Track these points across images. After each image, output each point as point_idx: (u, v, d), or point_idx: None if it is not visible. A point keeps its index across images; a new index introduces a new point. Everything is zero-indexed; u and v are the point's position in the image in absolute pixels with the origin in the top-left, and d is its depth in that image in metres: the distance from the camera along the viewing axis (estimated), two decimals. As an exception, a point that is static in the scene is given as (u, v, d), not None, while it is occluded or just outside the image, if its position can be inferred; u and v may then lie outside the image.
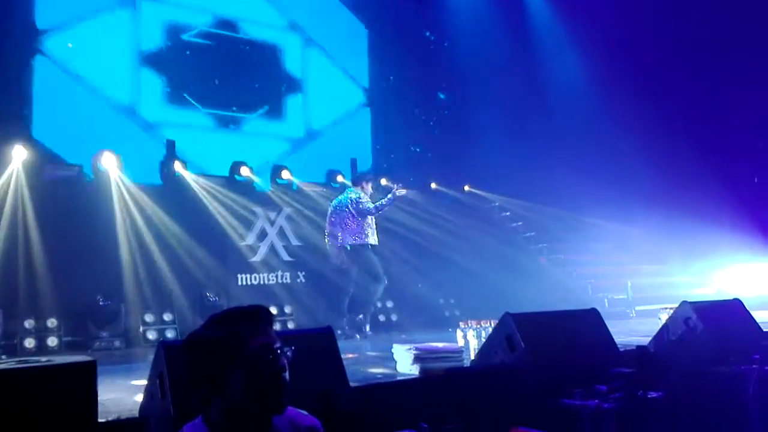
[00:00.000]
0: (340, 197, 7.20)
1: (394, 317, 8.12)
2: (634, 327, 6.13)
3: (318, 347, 2.84)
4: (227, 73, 9.69)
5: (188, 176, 7.75)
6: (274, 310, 7.18)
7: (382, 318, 7.98)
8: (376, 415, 2.85)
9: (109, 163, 7.13)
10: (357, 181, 7.28)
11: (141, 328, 6.67)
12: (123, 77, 8.88)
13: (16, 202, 6.43)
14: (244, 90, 9.83)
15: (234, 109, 9.75)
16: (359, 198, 6.92)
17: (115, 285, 6.64)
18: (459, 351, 3.72)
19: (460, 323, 4.35)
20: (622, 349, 3.85)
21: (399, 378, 3.48)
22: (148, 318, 6.75)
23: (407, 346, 3.61)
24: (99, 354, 5.89)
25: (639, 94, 10.06)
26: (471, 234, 9.07)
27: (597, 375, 3.30)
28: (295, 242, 8.13)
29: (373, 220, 7.06)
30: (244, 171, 8.17)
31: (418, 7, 11.55)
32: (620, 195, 9.67)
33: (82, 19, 8.54)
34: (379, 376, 3.65)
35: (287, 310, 7.68)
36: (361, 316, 6.96)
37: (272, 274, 7.85)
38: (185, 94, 9.30)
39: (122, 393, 3.38)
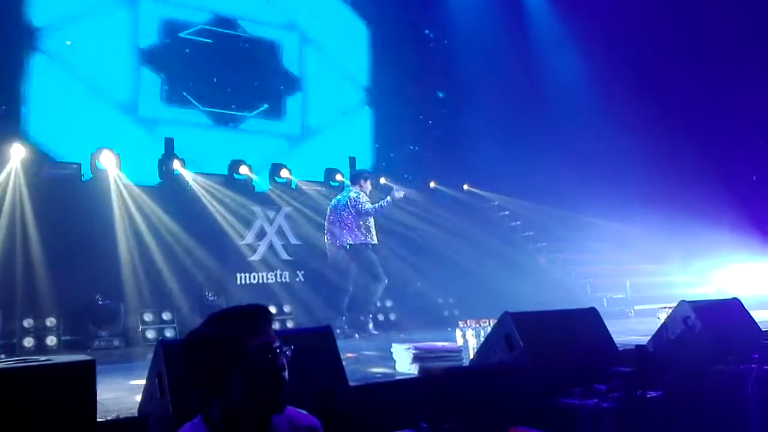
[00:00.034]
0: (339, 196, 7.20)
1: (392, 316, 8.12)
2: (632, 326, 6.14)
3: (317, 346, 2.83)
4: (226, 72, 9.69)
5: (187, 175, 7.74)
6: (273, 309, 7.17)
7: (381, 317, 7.97)
8: (375, 415, 2.85)
9: (107, 161, 7.12)
10: (355, 179, 7.27)
11: (140, 328, 6.67)
12: (122, 75, 8.88)
13: (15, 201, 6.41)
14: (243, 88, 9.83)
15: (233, 107, 9.75)
16: (358, 197, 6.92)
17: (114, 284, 6.63)
18: (458, 350, 3.72)
19: (459, 322, 4.35)
20: (621, 349, 3.85)
21: (398, 377, 3.48)
22: (147, 317, 6.75)
23: (406, 346, 3.61)
24: (98, 353, 5.89)
25: (638, 93, 10.05)
26: (470, 233, 9.06)
27: (596, 374, 3.30)
28: (294, 241, 8.12)
29: (372, 219, 7.06)
30: (243, 169, 8.16)
31: (419, 5, 11.55)
32: (619, 194, 9.67)
33: (80, 16, 8.54)
34: (379, 375, 3.65)
35: (286, 309, 7.67)
36: (363, 317, 6.94)
37: (271, 273, 7.84)
38: (184, 93, 9.29)
39: (121, 392, 3.38)
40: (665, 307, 4.49)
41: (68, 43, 8.38)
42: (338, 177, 8.85)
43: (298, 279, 8.00)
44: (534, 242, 9.95)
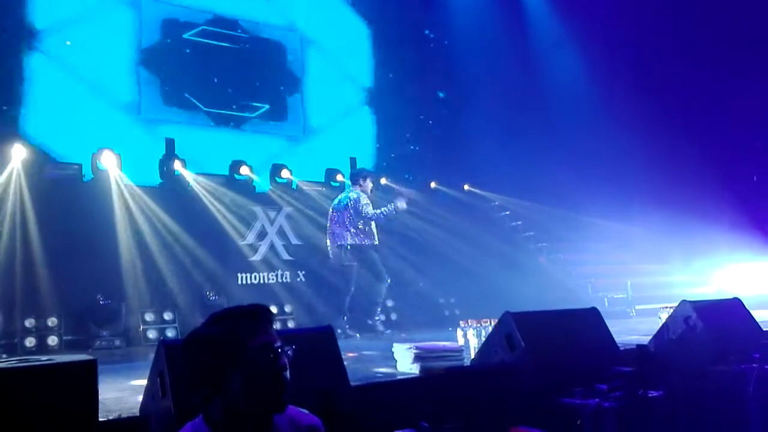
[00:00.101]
0: (340, 196, 7.19)
1: (394, 316, 8.12)
2: (634, 326, 6.13)
3: (318, 346, 2.83)
4: (227, 72, 9.70)
5: (188, 175, 7.75)
6: (274, 309, 7.18)
7: (382, 317, 7.97)
8: (376, 414, 2.85)
9: (108, 161, 7.13)
10: (354, 179, 7.24)
11: (141, 327, 6.68)
12: (123, 76, 8.89)
13: (16, 202, 6.42)
14: (243, 89, 9.83)
15: (234, 107, 9.76)
16: (359, 199, 6.88)
17: (115, 284, 6.64)
18: (459, 350, 3.72)
19: (460, 322, 4.35)
20: (622, 348, 3.85)
21: (399, 377, 3.48)
22: (149, 317, 6.76)
23: (407, 345, 3.61)
24: (99, 353, 5.89)
25: (638, 93, 10.06)
26: (471, 233, 9.06)
27: (597, 374, 3.30)
28: (295, 241, 8.13)
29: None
30: (244, 170, 8.17)
31: (419, 6, 11.55)
32: (620, 194, 9.69)
33: (82, 17, 8.55)
34: (380, 375, 3.65)
35: (287, 309, 7.68)
36: (370, 320, 6.91)
37: (272, 273, 7.85)
38: (185, 93, 9.30)
39: (123, 392, 3.39)
40: (666, 307, 4.49)
41: (68, 43, 8.39)
42: (339, 177, 8.85)
43: (299, 279, 8.01)
44: (535, 242, 9.95)
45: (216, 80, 9.61)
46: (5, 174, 6.52)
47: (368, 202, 6.93)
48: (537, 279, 8.68)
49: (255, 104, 9.95)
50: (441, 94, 11.91)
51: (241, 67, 9.83)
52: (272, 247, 7.96)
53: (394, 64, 11.29)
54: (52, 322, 6.22)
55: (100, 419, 2.36)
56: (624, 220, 10.00)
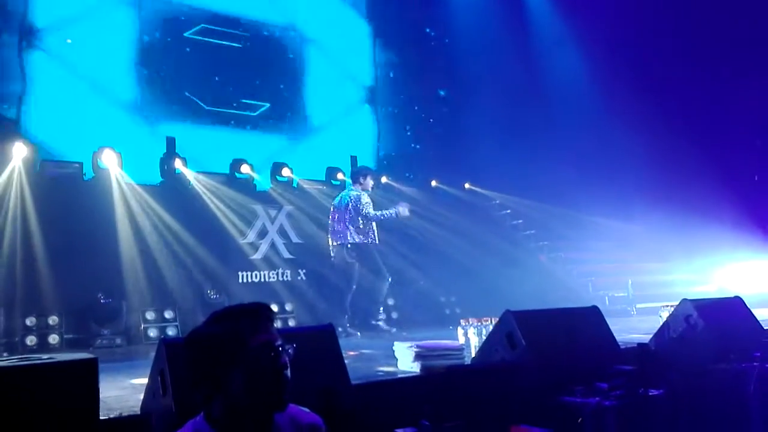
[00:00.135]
0: (341, 195, 7.19)
1: (394, 315, 8.12)
2: (635, 324, 6.13)
3: (319, 345, 2.84)
4: (228, 70, 9.70)
5: (188, 173, 7.74)
6: (275, 308, 7.16)
7: (383, 316, 7.97)
8: (377, 413, 2.86)
9: (109, 160, 7.12)
10: (355, 177, 7.24)
11: (142, 326, 6.68)
12: (123, 74, 8.89)
13: (17, 200, 6.42)
14: (244, 87, 9.83)
15: (234, 105, 9.76)
16: (359, 198, 6.88)
17: (116, 283, 6.64)
18: (460, 348, 3.72)
19: (461, 321, 4.36)
20: (623, 347, 3.86)
21: (400, 375, 3.49)
22: (149, 316, 6.76)
23: (408, 344, 3.61)
24: (100, 351, 5.90)
25: (639, 91, 10.05)
26: (471, 232, 9.06)
27: (598, 372, 3.30)
28: (295, 240, 8.13)
29: (374, 220, 7.04)
30: (245, 168, 8.17)
31: (420, 4, 11.55)
32: (621, 193, 9.67)
33: (82, 15, 8.54)
34: (381, 373, 3.65)
35: (288, 307, 7.68)
36: (374, 320, 6.90)
37: (273, 271, 7.85)
38: (185, 92, 9.30)
39: (124, 390, 3.39)
40: (667, 306, 4.50)
41: (69, 41, 8.38)
42: (340, 176, 8.85)
43: (299, 277, 8.01)
44: (535, 241, 9.94)
45: (217, 78, 9.61)
46: (6, 172, 6.51)
47: (369, 201, 6.92)
48: (538, 277, 8.68)
49: (256, 103, 9.95)
50: (442, 93, 11.90)
51: (241, 65, 9.83)
52: (273, 245, 7.96)
53: (394, 63, 11.28)
54: (53, 320, 6.23)
55: (101, 418, 2.37)
56: (625, 219, 9.99)
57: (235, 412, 1.68)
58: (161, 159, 7.80)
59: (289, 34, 10.51)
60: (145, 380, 2.70)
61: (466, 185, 10.46)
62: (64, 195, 6.75)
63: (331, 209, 7.17)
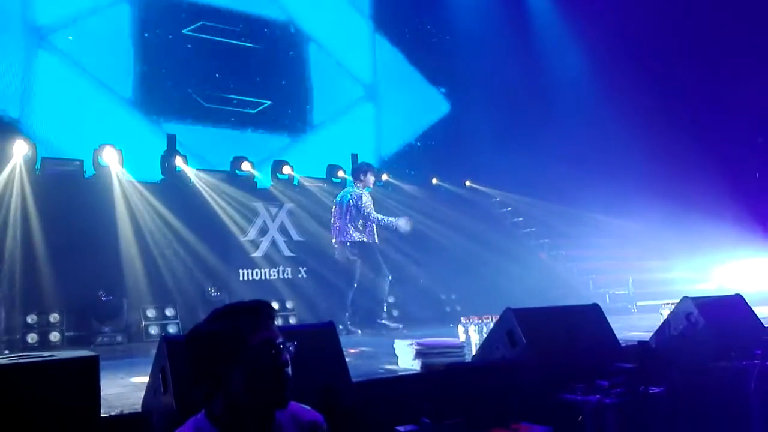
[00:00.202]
0: (343, 192, 7.18)
1: (395, 312, 8.12)
2: (635, 322, 6.14)
3: (320, 342, 2.84)
4: (228, 68, 9.69)
5: (189, 171, 7.75)
6: (275, 306, 7.14)
7: (385, 315, 7.98)
8: (378, 410, 2.86)
9: (110, 157, 7.12)
10: (355, 174, 7.22)
11: (143, 323, 6.69)
12: (124, 71, 8.88)
13: (17, 198, 6.42)
14: (245, 84, 9.83)
15: (235, 103, 9.76)
16: (361, 197, 6.86)
17: (116, 280, 6.65)
18: (460, 346, 3.72)
19: (462, 318, 4.35)
20: (623, 345, 3.85)
21: (401, 373, 3.48)
22: (150, 313, 6.76)
23: (409, 342, 3.61)
24: (101, 349, 5.90)
25: (640, 89, 10.04)
26: (472, 229, 9.06)
27: (598, 370, 3.30)
28: (296, 237, 8.13)
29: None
30: (245, 166, 8.17)
31: (421, 1, 11.54)
32: (621, 190, 9.66)
33: (83, 13, 8.54)
34: (381, 371, 3.66)
35: (289, 305, 7.68)
36: (378, 320, 6.89)
37: (274, 269, 7.85)
38: (186, 89, 9.30)
39: (125, 388, 3.39)
40: (668, 303, 4.50)
41: (70, 38, 8.39)
42: (340, 173, 8.85)
43: (300, 275, 8.01)
44: (536, 238, 9.94)
45: (217, 76, 9.61)
46: (7, 170, 6.51)
47: (370, 201, 6.90)
48: (538, 275, 8.68)
49: (256, 100, 9.94)
50: (442, 90, 11.89)
51: (242, 62, 9.83)
52: (274, 243, 7.97)
53: (396, 60, 11.27)
54: (54, 318, 6.23)
55: (102, 415, 2.37)
56: (625, 216, 9.98)
57: (236, 409, 1.68)
58: (162, 156, 7.80)
59: (289, 31, 10.51)
60: (146, 378, 2.70)
61: (467, 183, 10.46)
62: (65, 193, 6.75)
63: (333, 207, 7.17)
